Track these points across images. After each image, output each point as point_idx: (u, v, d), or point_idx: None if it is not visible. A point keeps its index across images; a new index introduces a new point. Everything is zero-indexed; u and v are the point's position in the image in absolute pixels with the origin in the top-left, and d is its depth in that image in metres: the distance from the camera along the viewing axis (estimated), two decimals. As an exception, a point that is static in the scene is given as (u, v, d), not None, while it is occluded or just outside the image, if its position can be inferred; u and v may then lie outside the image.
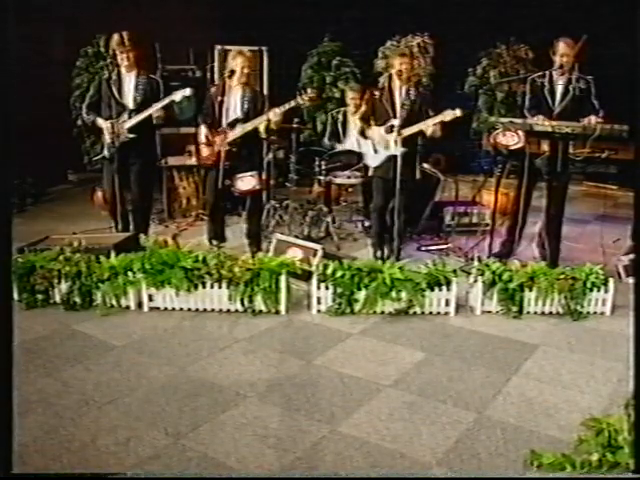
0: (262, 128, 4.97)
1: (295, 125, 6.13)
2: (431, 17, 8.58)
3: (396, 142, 4.74)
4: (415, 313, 4.18)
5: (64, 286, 4.21)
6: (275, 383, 3.32)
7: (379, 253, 5.12)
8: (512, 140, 4.70)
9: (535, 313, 4.21)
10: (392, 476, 2.62)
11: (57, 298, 4.25)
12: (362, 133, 5.09)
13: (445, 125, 4.75)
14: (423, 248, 5.63)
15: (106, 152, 5.23)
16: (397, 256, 4.91)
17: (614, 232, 5.61)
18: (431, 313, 4.21)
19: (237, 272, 4.15)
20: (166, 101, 5.06)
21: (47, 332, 3.90)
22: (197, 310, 4.24)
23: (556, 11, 7.91)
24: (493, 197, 5.26)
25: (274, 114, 4.87)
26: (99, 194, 6.17)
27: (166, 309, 4.25)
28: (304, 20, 8.81)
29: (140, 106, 5.14)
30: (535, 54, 7.97)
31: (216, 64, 7.44)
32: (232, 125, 4.95)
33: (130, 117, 5.12)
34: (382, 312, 4.18)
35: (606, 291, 4.18)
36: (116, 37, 5.15)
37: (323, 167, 5.99)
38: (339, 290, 4.16)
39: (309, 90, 5.11)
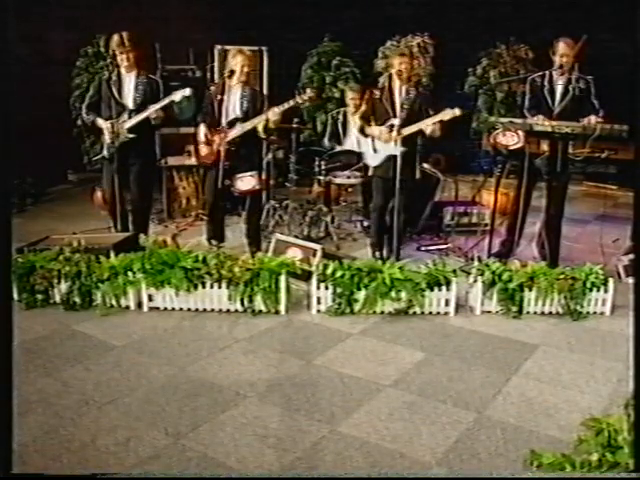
0: (260, 127, 4.97)
1: (295, 125, 6.13)
2: (431, 17, 8.58)
3: (396, 142, 4.74)
4: (415, 313, 4.18)
5: (64, 286, 4.21)
6: (275, 383, 3.32)
7: (378, 253, 5.13)
8: (512, 140, 4.70)
9: (535, 313, 4.21)
10: (392, 476, 2.62)
11: (57, 298, 4.25)
12: (362, 131, 5.09)
13: (444, 125, 4.75)
14: (423, 248, 5.63)
15: (106, 152, 5.23)
16: (397, 256, 4.91)
17: (614, 232, 5.61)
18: (431, 313, 4.21)
19: (237, 272, 4.15)
20: (166, 101, 5.06)
21: (47, 332, 3.90)
22: (197, 310, 4.24)
23: (556, 11, 7.91)
24: (493, 197, 5.26)
25: (273, 113, 4.87)
26: (99, 194, 6.17)
27: (166, 309, 4.25)
28: (304, 20, 8.82)
29: (140, 106, 5.14)
30: (535, 54, 7.97)
31: (216, 64, 7.44)
32: (231, 124, 4.95)
33: (130, 117, 5.12)
34: (382, 312, 4.18)
35: (606, 291, 4.18)
36: (116, 37, 5.15)
37: (323, 167, 5.99)
38: (339, 290, 4.16)
39: (308, 90, 5.12)
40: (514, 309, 4.17)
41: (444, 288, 4.18)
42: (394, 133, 4.74)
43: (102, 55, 7.31)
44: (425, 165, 5.95)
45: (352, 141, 6.12)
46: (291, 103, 4.90)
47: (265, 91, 7.12)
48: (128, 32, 5.13)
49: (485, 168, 7.88)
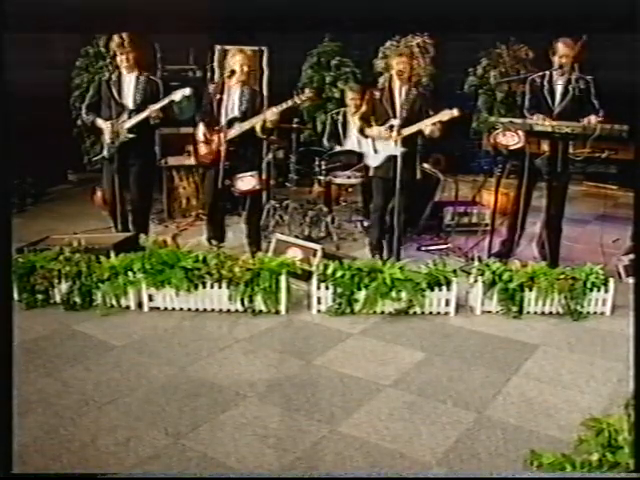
0: (258, 127, 4.97)
1: (295, 125, 6.13)
2: (431, 17, 8.56)
3: (396, 142, 4.74)
4: (415, 313, 4.18)
5: (64, 286, 4.21)
6: (275, 383, 3.32)
7: (377, 254, 5.12)
8: (512, 140, 4.70)
9: (535, 313, 4.21)
10: (392, 476, 2.62)
11: (57, 298, 4.25)
12: (362, 132, 5.09)
13: (444, 125, 4.75)
14: (423, 248, 5.63)
15: (106, 152, 5.23)
16: (397, 256, 4.91)
17: (614, 232, 5.61)
18: (431, 313, 4.21)
19: (237, 272, 4.15)
20: (166, 101, 5.06)
21: (47, 332, 3.90)
22: (197, 310, 4.24)
23: (556, 11, 7.90)
24: (493, 197, 5.26)
25: (271, 114, 4.87)
26: (99, 194, 6.16)
27: (166, 309, 4.25)
28: (304, 20, 8.80)
29: (140, 107, 5.14)
30: (535, 54, 7.97)
31: (216, 64, 7.44)
32: (230, 124, 4.95)
33: (130, 117, 5.12)
34: (382, 312, 4.18)
35: (606, 291, 4.18)
36: (116, 38, 5.15)
37: (323, 167, 5.99)
38: (339, 290, 4.16)
39: (306, 90, 5.12)
40: (514, 309, 4.17)
41: (444, 288, 4.18)
42: (394, 133, 4.74)
43: (102, 55, 7.32)
44: (425, 165, 5.95)
45: (352, 141, 6.12)
46: (289, 103, 4.91)
47: (265, 91, 7.12)
48: (128, 33, 5.14)
49: (485, 168, 7.88)
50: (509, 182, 5.44)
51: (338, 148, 6.22)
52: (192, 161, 6.20)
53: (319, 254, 4.61)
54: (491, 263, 4.35)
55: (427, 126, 4.73)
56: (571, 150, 4.74)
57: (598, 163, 6.93)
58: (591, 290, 4.16)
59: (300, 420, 2.97)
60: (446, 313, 4.22)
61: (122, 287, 4.18)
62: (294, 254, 4.62)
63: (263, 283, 4.13)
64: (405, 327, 4.04)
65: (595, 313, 4.21)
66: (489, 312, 4.22)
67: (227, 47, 6.73)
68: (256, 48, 7.27)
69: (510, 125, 4.67)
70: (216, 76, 7.31)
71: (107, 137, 5.16)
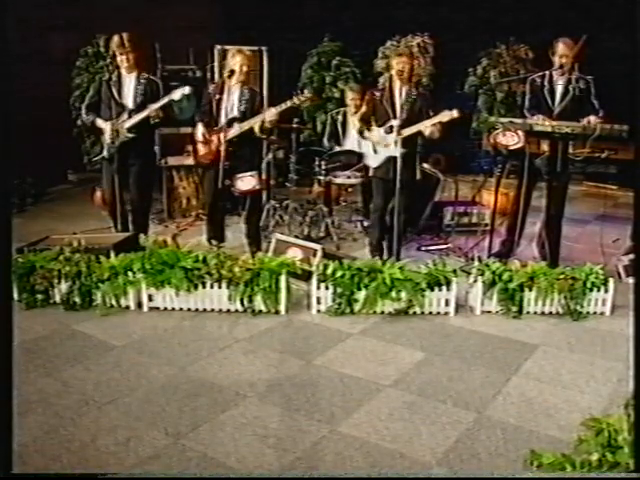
0: (257, 128, 4.97)
1: (295, 125, 6.13)
2: (431, 17, 8.57)
3: (396, 143, 4.74)
4: (415, 313, 4.18)
5: (64, 286, 4.21)
6: (275, 383, 3.32)
7: (377, 254, 5.12)
8: (512, 140, 4.70)
9: (535, 313, 4.21)
10: (392, 476, 2.62)
11: (57, 298, 4.25)
12: (361, 134, 5.09)
13: (444, 126, 4.75)
14: (423, 248, 5.64)
15: (106, 152, 5.23)
16: (397, 256, 4.91)
17: (614, 232, 5.61)
18: (431, 313, 4.21)
19: (237, 272, 4.15)
20: (165, 100, 5.06)
21: (47, 332, 3.90)
22: (197, 310, 4.24)
23: (556, 11, 7.91)
24: (493, 197, 5.26)
25: (270, 114, 4.88)
26: (99, 194, 6.17)
27: (166, 309, 4.25)
28: (304, 20, 8.82)
29: (140, 107, 5.14)
30: (535, 54, 7.97)
31: (216, 64, 7.44)
32: (229, 124, 4.95)
33: (129, 117, 5.12)
34: (382, 312, 4.18)
35: (606, 291, 4.18)
36: (116, 38, 5.15)
37: (323, 167, 5.99)
38: (339, 290, 4.16)
39: (305, 91, 5.12)
40: (514, 309, 4.17)
41: (444, 288, 4.18)
42: (394, 134, 4.74)
43: (102, 55, 7.31)
44: (425, 165, 5.96)
45: (352, 141, 6.12)
46: (288, 104, 4.91)
47: (265, 91, 7.12)
48: (128, 33, 5.14)
49: (485, 168, 7.88)
50: (509, 182, 5.44)
51: (338, 148, 6.22)
52: (191, 161, 6.22)
53: (319, 254, 4.61)
54: (491, 263, 4.35)
55: (427, 127, 4.73)
56: (571, 150, 4.74)
57: (598, 163, 6.93)
58: (591, 290, 4.16)
59: (300, 420, 2.98)
60: (446, 313, 4.22)
61: (122, 287, 4.18)
62: (294, 254, 4.62)
63: (263, 283, 4.13)
64: (405, 327, 4.04)
65: (595, 313, 4.21)
66: (489, 312, 4.22)
67: (227, 47, 6.73)
68: (256, 48, 7.26)
69: (510, 125, 4.67)
70: (216, 76, 7.31)
71: (107, 137, 5.16)
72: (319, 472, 2.61)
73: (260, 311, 4.19)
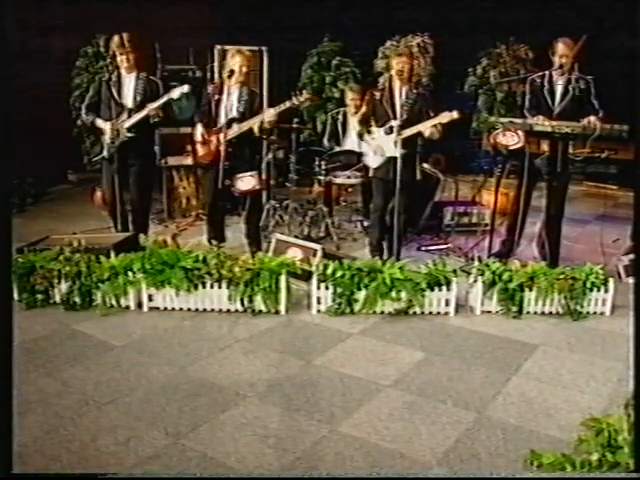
0: (256, 128, 4.97)
1: (295, 125, 6.13)
2: (431, 17, 8.57)
3: (396, 143, 4.74)
4: (415, 313, 4.18)
5: (64, 286, 4.21)
6: (275, 383, 3.32)
7: (377, 254, 5.12)
8: (512, 140, 4.70)
9: (535, 313, 4.21)
10: (392, 476, 2.62)
11: (57, 298, 4.25)
12: (361, 137, 5.09)
13: (444, 126, 4.75)
14: (423, 248, 5.64)
15: (106, 152, 5.23)
16: (397, 256, 4.91)
17: (614, 232, 5.61)
18: (431, 313, 4.21)
19: (237, 272, 4.15)
20: (165, 99, 5.06)
21: (47, 332, 3.90)
22: (197, 310, 4.24)
23: (556, 11, 7.91)
24: (493, 197, 5.26)
25: (269, 114, 4.88)
26: (99, 194, 6.17)
27: (166, 309, 4.25)
28: (304, 20, 8.81)
29: (139, 106, 5.14)
30: (535, 54, 7.97)
31: (216, 64, 7.44)
32: (228, 124, 4.95)
33: (129, 117, 5.12)
34: (382, 312, 4.18)
35: (606, 291, 4.18)
36: (116, 39, 5.15)
37: (323, 167, 5.99)
38: (339, 290, 4.16)
39: (304, 91, 5.12)
40: (514, 309, 4.17)
41: (444, 288, 4.18)
42: (394, 134, 4.74)
43: (102, 55, 7.32)
44: (425, 165, 5.95)
45: (352, 141, 6.12)
46: (287, 104, 4.91)
47: (265, 91, 7.12)
48: (128, 33, 5.14)
49: (485, 168, 7.88)
50: (509, 182, 5.44)
51: (338, 148, 6.22)
52: (191, 161, 6.22)
53: (319, 254, 4.61)
54: (491, 263, 4.35)
55: (427, 128, 4.73)
56: (571, 150, 4.74)
57: (598, 163, 6.94)
58: (591, 290, 4.16)
59: (300, 420, 2.97)
60: (446, 313, 4.22)
61: (122, 287, 4.18)
62: (294, 254, 4.62)
63: (263, 283, 4.13)
64: (405, 327, 4.04)
65: (595, 313, 4.21)
66: (489, 312, 4.22)
67: (227, 47, 6.73)
68: (255, 48, 7.26)
69: (510, 125, 4.67)
70: (216, 76, 7.31)
71: (107, 137, 5.16)
72: (319, 472, 2.61)
73: (260, 311, 4.19)
